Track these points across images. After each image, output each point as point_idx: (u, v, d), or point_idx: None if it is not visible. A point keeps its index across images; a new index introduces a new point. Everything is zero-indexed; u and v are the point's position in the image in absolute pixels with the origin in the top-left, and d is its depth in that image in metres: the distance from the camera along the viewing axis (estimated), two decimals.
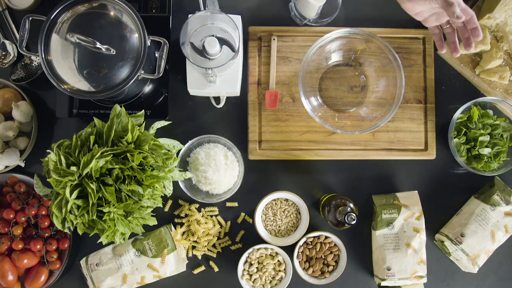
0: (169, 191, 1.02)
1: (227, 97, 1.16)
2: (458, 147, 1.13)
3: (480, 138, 1.12)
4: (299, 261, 1.12)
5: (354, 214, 0.96)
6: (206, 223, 1.12)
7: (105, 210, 0.90)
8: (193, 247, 1.14)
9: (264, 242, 1.12)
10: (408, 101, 1.17)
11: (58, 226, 0.92)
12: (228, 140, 1.10)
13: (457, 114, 1.13)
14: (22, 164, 1.12)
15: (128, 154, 0.91)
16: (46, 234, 1.09)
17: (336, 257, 1.12)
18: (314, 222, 1.16)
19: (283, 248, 1.11)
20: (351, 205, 1.04)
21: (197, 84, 1.09)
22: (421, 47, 1.18)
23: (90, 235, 0.96)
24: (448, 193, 1.18)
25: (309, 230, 1.13)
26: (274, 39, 1.16)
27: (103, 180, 0.91)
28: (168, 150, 1.02)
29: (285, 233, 1.14)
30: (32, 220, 1.08)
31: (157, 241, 1.08)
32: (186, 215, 1.15)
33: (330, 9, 1.17)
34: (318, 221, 1.16)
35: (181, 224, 1.15)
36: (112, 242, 1.11)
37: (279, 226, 1.14)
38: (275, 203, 1.14)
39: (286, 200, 1.14)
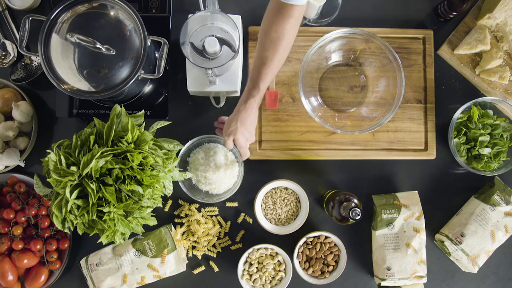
0: (169, 191, 1.02)
1: (227, 97, 1.16)
2: (458, 147, 1.13)
3: (480, 138, 1.12)
4: (299, 261, 1.12)
5: (359, 209, 0.96)
6: (206, 223, 1.12)
7: (105, 210, 0.90)
8: (193, 247, 1.14)
9: (264, 241, 1.12)
10: (408, 101, 1.17)
11: (58, 226, 0.92)
12: None
13: (457, 114, 1.13)
14: (22, 164, 1.12)
15: (128, 154, 0.91)
16: (46, 234, 1.09)
17: (336, 257, 1.12)
18: (314, 221, 1.16)
19: (283, 246, 1.11)
20: (356, 200, 1.03)
21: (197, 84, 1.09)
22: (421, 47, 1.18)
23: (90, 235, 0.96)
24: (448, 193, 1.18)
25: (309, 230, 1.13)
26: None
27: (103, 180, 0.91)
28: (168, 150, 1.02)
29: (285, 222, 1.14)
30: (32, 220, 1.08)
31: (157, 241, 1.08)
32: (186, 215, 1.15)
33: (330, 9, 1.17)
34: (318, 220, 1.16)
35: (181, 224, 1.15)
36: (112, 242, 1.11)
37: (279, 215, 1.14)
38: (275, 192, 1.14)
39: (286, 188, 1.14)
